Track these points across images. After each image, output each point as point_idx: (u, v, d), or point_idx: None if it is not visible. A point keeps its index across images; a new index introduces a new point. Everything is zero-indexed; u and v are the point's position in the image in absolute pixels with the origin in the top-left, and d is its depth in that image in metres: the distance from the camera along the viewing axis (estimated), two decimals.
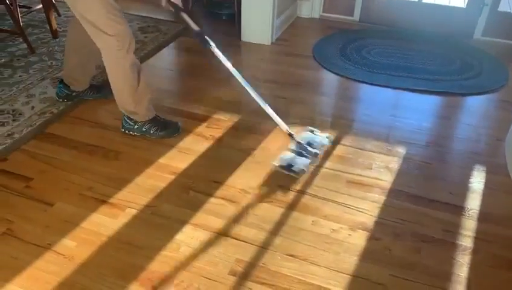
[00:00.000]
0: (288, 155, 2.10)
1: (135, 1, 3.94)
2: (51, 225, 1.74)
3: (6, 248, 1.64)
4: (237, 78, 2.14)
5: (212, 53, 2.10)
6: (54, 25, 3.17)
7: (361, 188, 1.97)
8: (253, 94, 2.17)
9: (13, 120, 2.31)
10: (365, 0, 3.67)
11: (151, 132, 2.22)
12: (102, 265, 1.59)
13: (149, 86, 2.20)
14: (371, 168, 2.09)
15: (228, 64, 2.12)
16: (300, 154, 2.10)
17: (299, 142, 2.14)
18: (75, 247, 1.65)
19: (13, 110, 2.39)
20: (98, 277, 1.54)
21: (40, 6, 3.21)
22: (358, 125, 2.43)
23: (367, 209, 1.86)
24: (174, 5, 1.99)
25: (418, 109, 2.60)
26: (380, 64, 3.05)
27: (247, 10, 3.25)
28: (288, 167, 2.03)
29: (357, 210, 1.85)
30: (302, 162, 2.05)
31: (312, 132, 2.27)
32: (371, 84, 2.84)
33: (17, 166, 2.03)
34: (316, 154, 2.11)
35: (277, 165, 2.05)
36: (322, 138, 2.23)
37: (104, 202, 1.85)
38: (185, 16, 2.03)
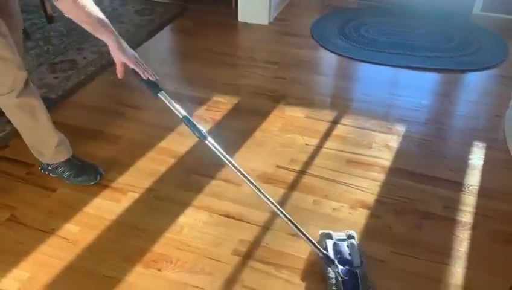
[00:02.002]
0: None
1: None
2: (54, 210, 1.75)
3: (11, 234, 1.66)
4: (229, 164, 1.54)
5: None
6: (49, 10, 3.13)
7: (362, 167, 1.98)
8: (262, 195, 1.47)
9: None
10: None
11: (65, 176, 1.86)
12: (106, 249, 1.61)
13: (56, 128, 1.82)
14: (371, 147, 2.09)
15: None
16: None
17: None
18: (79, 231, 1.67)
19: None
20: (103, 260, 1.56)
21: None
22: (357, 105, 2.43)
23: (367, 187, 1.87)
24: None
25: (417, 87, 2.59)
26: (379, 42, 3.03)
27: None
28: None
29: (358, 189, 1.86)
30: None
31: (329, 237, 1.59)
32: (370, 62, 2.83)
33: (18, 153, 2.03)
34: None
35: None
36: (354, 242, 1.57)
37: (106, 186, 1.86)
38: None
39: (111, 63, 2.69)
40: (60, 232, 1.66)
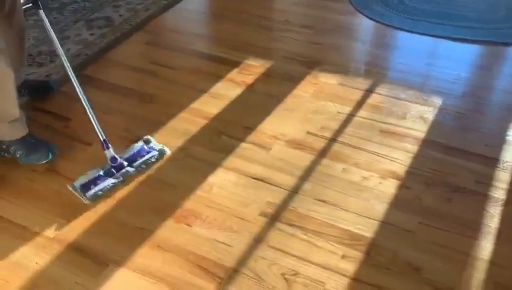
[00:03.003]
0: (93, 173, 1.70)
1: None
2: (90, 163, 1.81)
3: (50, 183, 1.73)
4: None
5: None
6: None
7: (394, 137, 1.95)
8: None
9: (50, 61, 2.36)
10: None
11: (17, 155, 1.78)
12: (139, 202, 1.67)
13: (15, 101, 1.71)
14: (405, 118, 2.05)
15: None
16: (110, 172, 1.71)
17: (114, 157, 1.71)
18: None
19: (50, 52, 2.43)
20: (135, 212, 1.62)
21: None
22: (393, 74, 2.37)
23: (399, 158, 1.85)
24: None
25: (456, 58, 2.50)
26: (419, 10, 2.91)
27: None
28: (84, 188, 1.65)
29: (389, 159, 1.85)
30: (102, 185, 1.66)
31: (147, 142, 1.86)
32: (409, 31, 2.73)
33: (56, 106, 2.10)
34: (126, 174, 1.72)
35: (70, 186, 1.67)
36: (151, 151, 1.81)
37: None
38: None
39: (145, 22, 2.72)
40: None
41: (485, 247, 1.52)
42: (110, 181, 1.67)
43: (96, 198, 1.64)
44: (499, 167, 1.81)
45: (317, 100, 2.16)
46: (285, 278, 1.42)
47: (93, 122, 1.73)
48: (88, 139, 1.92)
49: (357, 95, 2.19)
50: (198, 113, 2.08)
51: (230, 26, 2.76)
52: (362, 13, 2.90)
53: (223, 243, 1.53)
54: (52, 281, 1.41)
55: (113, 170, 1.71)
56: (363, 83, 2.27)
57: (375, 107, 2.12)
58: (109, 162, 1.69)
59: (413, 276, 1.43)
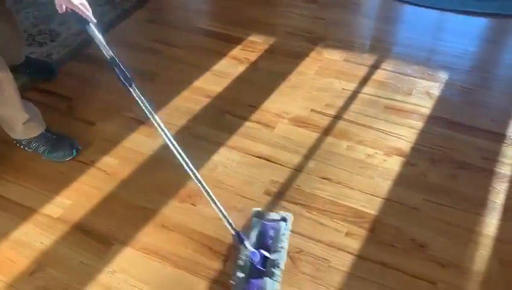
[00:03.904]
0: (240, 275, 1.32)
1: None
2: (93, 143, 1.81)
3: (53, 164, 1.73)
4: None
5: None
6: None
7: (400, 114, 1.93)
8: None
9: (51, 40, 2.33)
10: None
11: (40, 151, 1.74)
12: (143, 181, 1.67)
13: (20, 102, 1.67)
14: (411, 94, 2.02)
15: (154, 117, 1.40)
16: (255, 271, 1.33)
17: (255, 253, 1.33)
18: (117, 164, 1.73)
19: (50, 30, 2.40)
20: (139, 192, 1.63)
21: None
22: (399, 49, 2.32)
23: (404, 135, 1.83)
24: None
25: (464, 32, 2.45)
26: None
27: None
28: None
29: (394, 136, 1.83)
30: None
31: (259, 216, 1.48)
32: (415, 4, 2.66)
33: (58, 86, 2.08)
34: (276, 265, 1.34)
35: None
36: (282, 227, 1.44)
37: (142, 122, 1.89)
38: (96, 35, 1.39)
39: None
40: (99, 164, 1.72)
41: (490, 223, 1.51)
42: (271, 283, 1.30)
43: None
44: (505, 143, 1.79)
45: (322, 77, 2.13)
46: (289, 256, 1.42)
47: (218, 211, 1.35)
48: (90, 118, 1.92)
49: (362, 71, 2.15)
50: (201, 91, 2.06)
51: (233, 2, 2.71)
52: None
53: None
54: (57, 260, 1.43)
55: (259, 266, 1.34)
56: (369, 59, 2.23)
57: (380, 84, 2.08)
58: (252, 260, 1.33)
59: (417, 253, 1.43)
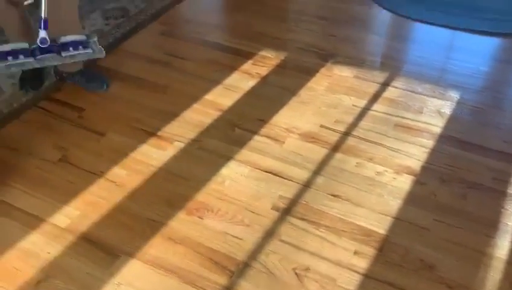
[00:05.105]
0: (19, 45, 1.64)
1: None
2: (103, 153, 1.82)
3: (63, 173, 1.74)
4: None
5: None
6: None
7: (410, 132, 1.92)
8: None
9: None
10: None
11: (79, 83, 2.11)
12: (151, 193, 1.67)
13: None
14: (422, 112, 2.01)
15: None
16: (34, 51, 1.63)
17: (44, 39, 1.61)
18: (126, 175, 1.73)
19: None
20: (147, 204, 1.63)
21: None
22: (410, 67, 2.32)
23: (414, 153, 1.81)
24: None
25: (476, 52, 2.44)
26: (437, 1, 2.84)
27: None
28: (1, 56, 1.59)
29: (404, 154, 1.81)
30: (19, 61, 1.60)
31: (89, 37, 1.76)
32: (426, 23, 2.67)
33: (70, 96, 2.10)
34: (46, 61, 1.66)
35: None
36: (88, 48, 1.74)
37: (152, 134, 1.90)
38: None
39: (160, 13, 2.71)
40: (108, 175, 1.73)
41: (502, 246, 1.49)
42: (28, 60, 1.61)
43: (6, 71, 1.61)
44: None
45: (332, 93, 2.13)
46: (296, 274, 1.41)
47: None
48: (101, 129, 1.93)
49: (373, 88, 2.15)
50: (211, 104, 2.07)
51: (245, 17, 2.73)
52: (379, 4, 2.85)
53: (234, 236, 1.52)
54: (63, 271, 1.43)
55: (38, 51, 1.62)
56: (379, 76, 2.22)
57: (391, 101, 2.08)
58: (38, 42, 1.60)
59: (426, 274, 1.41)
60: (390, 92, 2.13)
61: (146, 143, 1.86)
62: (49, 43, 1.59)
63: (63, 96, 2.11)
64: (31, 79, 2.12)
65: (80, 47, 1.68)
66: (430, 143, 1.86)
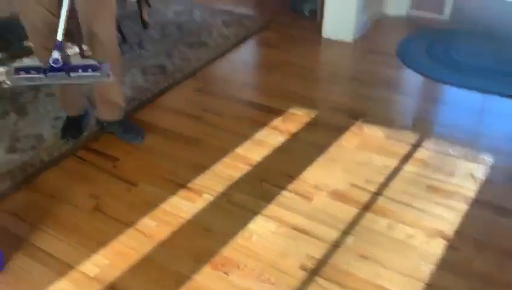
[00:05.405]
0: (34, 62, 1.75)
1: None
2: (134, 203, 1.86)
3: (95, 221, 1.78)
4: None
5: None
6: (146, 17, 3.35)
7: (443, 194, 1.88)
8: None
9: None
10: None
11: (116, 133, 2.24)
12: (178, 246, 1.67)
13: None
14: (454, 175, 1.98)
15: None
16: (46, 70, 1.69)
17: (57, 60, 1.67)
18: (155, 226, 1.75)
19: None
20: (174, 257, 1.63)
21: None
22: (441, 129, 2.31)
23: (447, 217, 1.77)
24: None
25: (508, 116, 2.42)
26: (468, 65, 2.87)
27: (330, 6, 3.21)
28: (16, 71, 1.68)
29: (436, 217, 1.77)
30: (31, 76, 1.68)
31: (100, 62, 1.78)
32: (458, 86, 2.69)
33: (107, 146, 2.19)
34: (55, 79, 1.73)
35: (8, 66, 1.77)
36: (97, 72, 1.76)
37: (183, 186, 1.94)
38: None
39: (196, 70, 2.84)
40: (138, 225, 1.76)
41: None
42: (38, 76, 1.67)
43: (16, 83, 1.69)
44: None
45: (362, 152, 2.14)
46: None
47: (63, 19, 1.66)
48: (134, 179, 1.98)
49: (403, 148, 2.15)
50: (241, 159, 2.11)
51: (278, 76, 2.83)
52: (409, 67, 2.90)
53: None
54: None
55: (49, 70, 1.67)
56: (410, 137, 2.22)
57: (422, 162, 2.06)
58: (51, 62, 1.66)
59: None
60: (421, 153, 2.12)
61: (176, 195, 1.90)
62: (61, 63, 1.66)
63: (100, 146, 2.20)
64: (72, 129, 2.23)
65: (89, 70, 1.73)
66: (463, 207, 1.81)
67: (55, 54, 1.64)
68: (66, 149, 2.15)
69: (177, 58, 2.98)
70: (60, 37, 1.65)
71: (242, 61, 3.10)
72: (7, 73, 1.67)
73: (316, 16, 3.50)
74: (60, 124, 2.28)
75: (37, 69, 1.67)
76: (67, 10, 1.63)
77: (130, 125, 2.27)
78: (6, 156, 2.10)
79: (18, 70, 1.66)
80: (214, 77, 2.89)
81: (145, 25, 3.38)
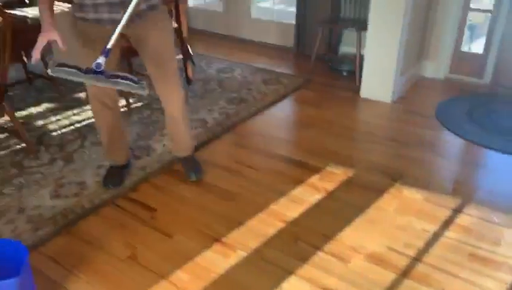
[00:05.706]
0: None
1: (260, 55, 4.23)
2: (169, 255, 1.86)
3: (129, 272, 1.79)
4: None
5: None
6: (190, 73, 3.52)
7: (487, 264, 1.79)
8: None
9: (147, 155, 2.57)
10: (498, 61, 3.46)
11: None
12: None
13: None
14: (499, 244, 1.89)
15: None
16: (87, 70, 1.73)
17: (99, 64, 1.70)
18: (188, 280, 1.74)
19: (147, 146, 2.66)
20: None
21: (180, 56, 3.59)
22: (483, 195, 2.24)
23: (493, 288, 1.67)
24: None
25: None
26: (510, 129, 2.82)
27: (368, 67, 3.27)
28: (60, 64, 1.72)
29: (481, 288, 1.67)
30: (72, 71, 1.72)
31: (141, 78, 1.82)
32: (501, 151, 2.62)
33: (145, 197, 2.24)
34: (93, 80, 1.76)
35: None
36: (132, 83, 1.77)
37: (217, 240, 1.93)
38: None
39: (235, 125, 2.92)
40: (171, 278, 1.75)
41: None
42: (78, 73, 1.70)
43: (58, 75, 1.71)
44: None
45: (401, 215, 2.08)
46: None
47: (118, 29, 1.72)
48: (170, 231, 2.00)
49: (444, 213, 2.08)
50: (276, 215, 2.10)
51: (315, 134, 2.85)
52: (450, 130, 2.87)
53: None
54: None
55: (91, 73, 1.71)
56: (450, 201, 2.16)
57: (464, 229, 1.98)
58: (94, 65, 1.69)
59: None
60: (462, 219, 2.04)
61: (210, 249, 1.89)
62: (102, 68, 1.70)
63: (139, 196, 2.25)
64: (114, 177, 2.30)
65: (128, 81, 1.76)
66: (510, 278, 1.71)
67: (100, 59, 1.70)
68: (107, 197, 2.21)
69: (217, 113, 3.07)
70: (110, 44, 1.72)
71: (280, 118, 3.15)
72: (51, 64, 1.72)
73: (354, 76, 3.57)
74: (103, 172, 2.37)
75: (78, 68, 1.72)
76: (125, 21, 1.72)
77: (193, 162, 2.44)
78: (50, 202, 2.18)
79: (61, 64, 1.73)
80: (253, 132, 2.95)
81: (189, 81, 3.54)
